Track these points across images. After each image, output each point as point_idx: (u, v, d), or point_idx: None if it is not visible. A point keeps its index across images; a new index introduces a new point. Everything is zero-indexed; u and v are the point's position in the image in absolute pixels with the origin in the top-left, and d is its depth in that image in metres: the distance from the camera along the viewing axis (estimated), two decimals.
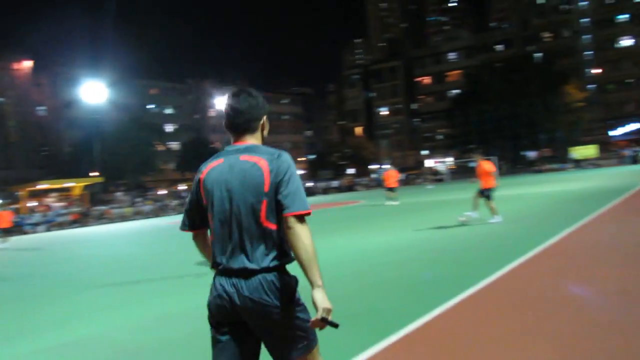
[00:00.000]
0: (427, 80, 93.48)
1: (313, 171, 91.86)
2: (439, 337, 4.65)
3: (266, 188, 2.35)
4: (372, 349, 4.37)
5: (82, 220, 41.14)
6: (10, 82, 65.41)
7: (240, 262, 2.35)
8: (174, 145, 79.87)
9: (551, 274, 6.82)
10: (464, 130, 66.49)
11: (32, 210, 43.55)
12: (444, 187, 43.68)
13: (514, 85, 64.20)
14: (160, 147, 70.41)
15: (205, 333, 5.57)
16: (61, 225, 39.39)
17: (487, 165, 13.13)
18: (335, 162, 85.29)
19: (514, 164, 65.43)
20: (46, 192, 49.88)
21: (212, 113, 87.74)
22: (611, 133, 74.11)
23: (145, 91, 79.61)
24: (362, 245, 11.62)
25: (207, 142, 78.41)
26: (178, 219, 36.29)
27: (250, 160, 2.41)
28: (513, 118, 61.51)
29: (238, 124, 2.53)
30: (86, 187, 49.89)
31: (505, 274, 6.93)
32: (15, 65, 66.84)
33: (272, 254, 2.36)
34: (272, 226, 2.37)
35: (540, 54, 75.00)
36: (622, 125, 73.49)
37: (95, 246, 20.87)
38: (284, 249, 2.40)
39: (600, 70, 76.84)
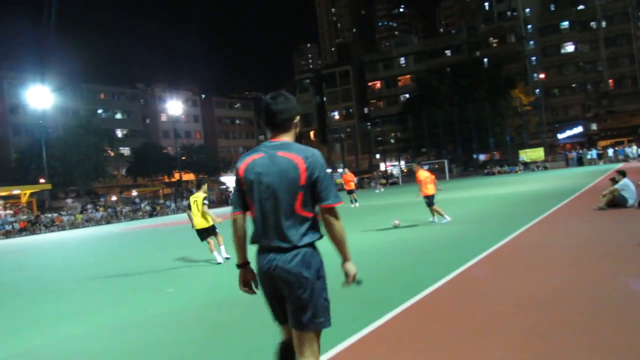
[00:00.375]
0: (378, 84, 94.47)
1: None
2: (395, 339, 4.74)
3: (302, 182, 2.77)
4: (328, 353, 4.40)
5: (30, 228, 39.96)
6: None
7: (278, 241, 2.77)
8: (125, 150, 78.37)
9: (504, 273, 7.04)
10: (416, 134, 67.55)
11: None
12: (397, 190, 44.25)
13: (463, 89, 65.57)
14: (111, 153, 68.95)
15: (154, 341, 5.53)
16: (8, 234, 38.18)
17: (423, 174, 13.68)
18: None
19: (465, 167, 66.86)
20: None
21: (163, 118, 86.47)
22: (558, 136, 76.59)
23: (94, 96, 77.79)
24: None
25: (158, 147, 77.19)
26: (131, 225, 35.80)
27: (287, 156, 2.80)
28: (463, 122, 62.78)
29: (275, 123, 2.91)
30: (33, 194, 48.47)
31: (459, 274, 7.10)
32: None
33: (305, 235, 2.79)
34: (307, 214, 2.81)
35: (487, 59, 76.86)
36: (569, 128, 76.06)
37: (44, 254, 20.33)
38: (315, 231, 2.83)
39: (545, 75, 79.30)
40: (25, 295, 9.97)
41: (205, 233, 11.09)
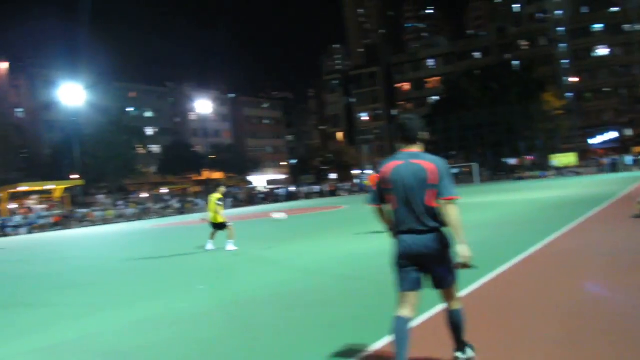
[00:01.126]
0: (406, 86, 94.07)
1: (294, 176, 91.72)
2: (422, 346, 4.62)
3: (431, 181, 3.63)
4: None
5: (63, 222, 40.73)
6: None
7: (417, 225, 3.67)
8: (155, 148, 79.21)
9: (537, 279, 6.93)
10: (445, 136, 66.99)
11: (12, 212, 43.02)
12: None
13: (492, 92, 64.80)
14: (141, 150, 69.74)
15: (185, 338, 5.65)
16: (43, 228, 38.94)
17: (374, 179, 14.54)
18: (317, 167, 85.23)
19: (495, 171, 66.02)
20: (26, 194, 49.24)
21: (192, 117, 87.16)
22: (590, 141, 75.17)
23: (124, 94, 78.67)
24: (343, 250, 11.52)
25: (188, 145, 77.82)
26: (161, 222, 36.18)
27: (419, 163, 3.69)
28: (493, 125, 62.03)
29: (408, 137, 3.86)
30: (67, 189, 49.36)
31: (491, 280, 7.02)
32: None
33: (435, 221, 3.67)
34: (435, 205, 3.67)
35: (517, 62, 75.86)
36: (601, 133, 74.62)
37: (78, 248, 20.66)
38: (442, 218, 3.67)
39: (577, 79, 77.96)
40: (60, 288, 10.11)
41: (216, 226, 13.42)
